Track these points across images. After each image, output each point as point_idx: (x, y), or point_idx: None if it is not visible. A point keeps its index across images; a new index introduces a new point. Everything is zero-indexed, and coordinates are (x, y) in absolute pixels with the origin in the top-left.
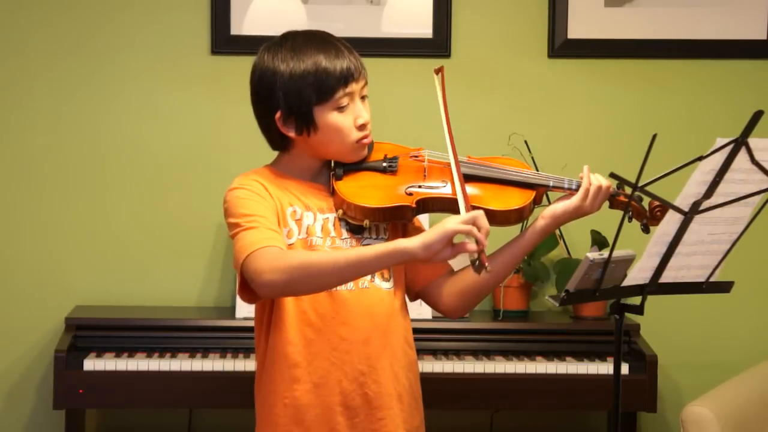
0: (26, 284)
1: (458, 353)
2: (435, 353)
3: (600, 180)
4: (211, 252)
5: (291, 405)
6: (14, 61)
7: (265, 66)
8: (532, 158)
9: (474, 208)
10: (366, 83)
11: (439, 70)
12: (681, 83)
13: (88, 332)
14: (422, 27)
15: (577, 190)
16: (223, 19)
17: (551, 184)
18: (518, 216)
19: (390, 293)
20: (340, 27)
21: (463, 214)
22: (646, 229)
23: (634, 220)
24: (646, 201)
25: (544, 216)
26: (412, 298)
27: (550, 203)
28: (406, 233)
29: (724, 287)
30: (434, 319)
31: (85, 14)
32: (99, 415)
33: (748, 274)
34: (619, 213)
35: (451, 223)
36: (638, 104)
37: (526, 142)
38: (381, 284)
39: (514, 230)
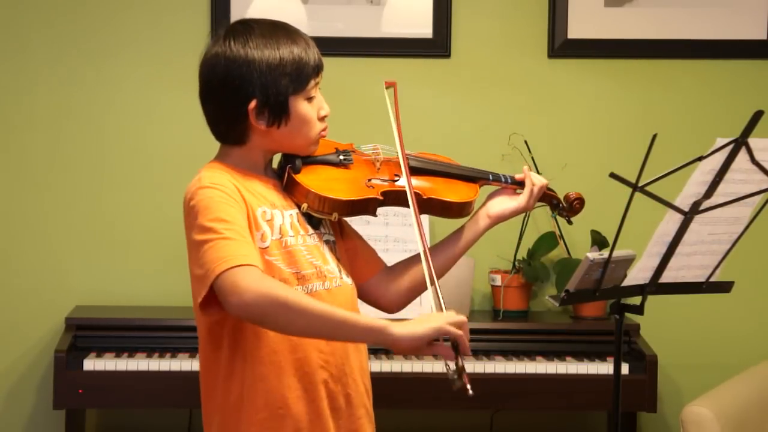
0: (26, 284)
1: None
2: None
3: (540, 180)
4: None
5: (286, 415)
6: (15, 60)
7: (235, 54)
8: (532, 158)
9: (431, 201)
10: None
11: (390, 84)
12: (681, 83)
13: (88, 332)
14: (422, 27)
15: (512, 184)
16: (223, 19)
17: (491, 177)
18: (469, 208)
19: (353, 289)
20: (340, 27)
21: (451, 313)
22: (569, 221)
23: (555, 212)
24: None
25: (489, 216)
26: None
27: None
28: (342, 230)
29: (724, 287)
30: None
31: (86, 14)
32: (99, 415)
33: (748, 274)
34: (622, 212)
35: (442, 321)
36: (638, 104)
37: (526, 142)
38: (347, 280)
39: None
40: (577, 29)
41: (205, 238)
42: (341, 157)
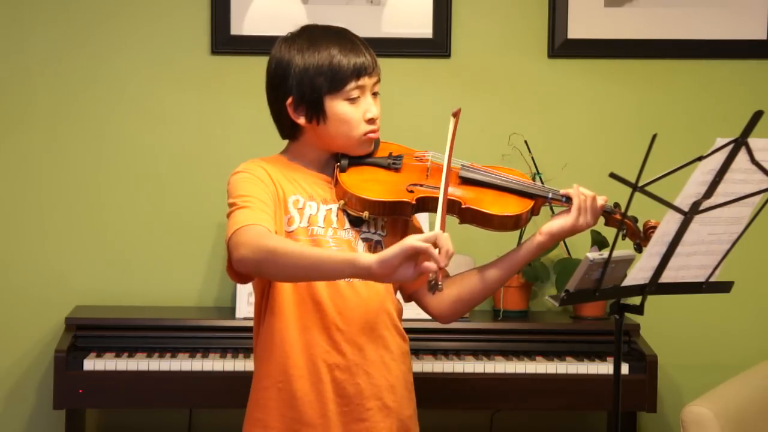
0: (26, 284)
1: (458, 353)
2: (435, 353)
3: (588, 192)
4: (211, 252)
5: (285, 390)
6: (14, 61)
7: (281, 55)
8: (532, 158)
9: (473, 212)
10: (379, 80)
11: (456, 114)
12: (681, 83)
13: (88, 332)
14: (422, 27)
15: (566, 202)
16: (223, 19)
17: (550, 196)
18: (515, 223)
19: (384, 286)
20: None
21: (438, 230)
22: (638, 249)
23: (628, 239)
24: (641, 222)
25: (541, 232)
26: (406, 300)
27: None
28: (406, 231)
29: (724, 287)
30: (434, 319)
31: (85, 14)
32: (99, 415)
33: (748, 274)
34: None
35: (409, 240)
36: (638, 104)
37: (526, 142)
38: None
39: (511, 239)
40: (577, 29)
41: (228, 211)
42: (390, 161)
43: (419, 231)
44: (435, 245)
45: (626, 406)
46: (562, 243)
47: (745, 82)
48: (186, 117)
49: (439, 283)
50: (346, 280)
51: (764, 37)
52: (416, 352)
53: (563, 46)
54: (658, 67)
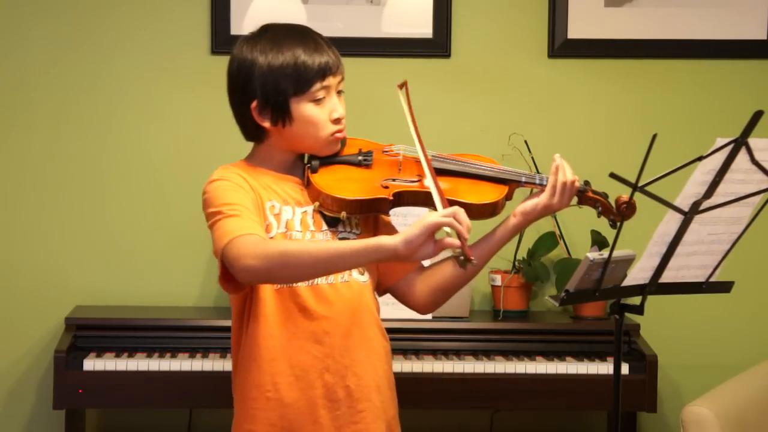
0: (26, 284)
1: (458, 353)
2: (435, 353)
3: (566, 176)
4: (211, 252)
5: (274, 398)
6: (13, 61)
7: (244, 57)
8: (532, 158)
9: (450, 202)
10: (343, 79)
11: (402, 85)
12: (681, 83)
13: (88, 332)
14: (422, 27)
15: (542, 185)
16: (223, 18)
17: (523, 179)
18: (492, 210)
19: (366, 286)
20: (340, 27)
21: (441, 209)
22: (613, 225)
23: (602, 216)
24: (612, 197)
25: (515, 213)
26: (381, 293)
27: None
28: (377, 227)
29: (724, 287)
30: (434, 319)
31: (85, 14)
32: (99, 415)
33: (748, 274)
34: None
35: (431, 217)
36: (638, 104)
37: (526, 142)
38: (358, 278)
39: (485, 225)
40: (577, 29)
41: (213, 220)
42: (360, 158)
43: (389, 225)
44: (455, 219)
45: (626, 406)
46: (562, 243)
47: (745, 82)
48: (186, 117)
49: (471, 257)
50: (328, 282)
51: (764, 37)
52: (416, 352)
53: (563, 46)
54: (658, 67)
